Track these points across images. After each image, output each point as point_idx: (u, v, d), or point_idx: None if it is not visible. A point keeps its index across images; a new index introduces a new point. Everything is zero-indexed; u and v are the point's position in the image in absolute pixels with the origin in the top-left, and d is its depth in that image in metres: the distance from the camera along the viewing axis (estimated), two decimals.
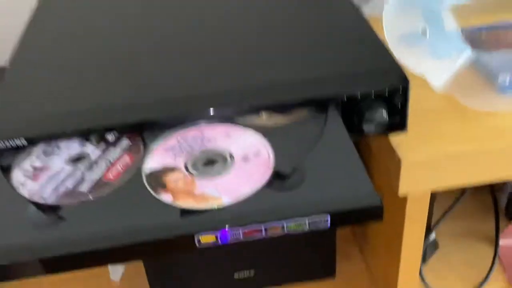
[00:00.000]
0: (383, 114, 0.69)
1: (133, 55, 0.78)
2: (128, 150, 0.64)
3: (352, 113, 0.70)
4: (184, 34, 0.83)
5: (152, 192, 0.59)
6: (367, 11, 1.02)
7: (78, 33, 0.86)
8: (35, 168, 0.62)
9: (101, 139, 0.65)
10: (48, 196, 0.59)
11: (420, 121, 0.76)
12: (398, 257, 0.88)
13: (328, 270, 1.05)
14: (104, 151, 0.64)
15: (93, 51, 0.80)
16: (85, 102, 0.68)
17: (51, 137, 0.65)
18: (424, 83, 0.80)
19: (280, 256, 1.01)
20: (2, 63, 0.85)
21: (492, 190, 1.11)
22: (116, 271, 1.08)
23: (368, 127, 0.70)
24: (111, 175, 0.61)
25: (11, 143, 0.64)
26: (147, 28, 0.85)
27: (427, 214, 0.84)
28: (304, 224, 0.56)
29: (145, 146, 0.64)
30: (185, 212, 0.57)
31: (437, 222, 1.03)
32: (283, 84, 0.70)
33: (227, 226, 0.55)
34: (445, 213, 1.03)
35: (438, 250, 1.03)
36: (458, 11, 0.91)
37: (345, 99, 0.69)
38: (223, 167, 0.61)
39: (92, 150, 0.64)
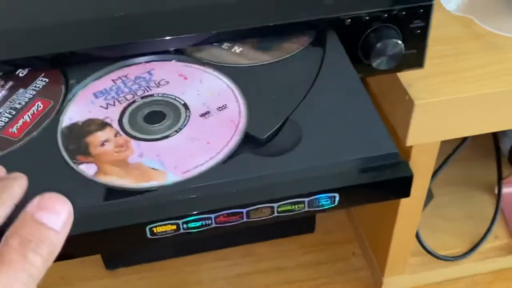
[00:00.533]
0: (399, 43, 0.50)
1: None
2: (44, 93, 0.43)
3: (357, 42, 0.50)
4: None
5: (68, 159, 0.39)
6: None
7: None
8: None
9: (9, 74, 0.44)
10: None
11: (434, 54, 0.58)
12: (394, 215, 0.72)
13: (307, 226, 0.86)
14: (10, 91, 0.43)
15: None
16: None
17: None
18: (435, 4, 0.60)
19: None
20: None
21: (495, 133, 0.93)
22: None
23: (378, 62, 0.51)
24: (14, 130, 0.40)
25: None
26: None
27: (433, 167, 0.68)
28: (302, 204, 0.38)
29: (68, 88, 0.43)
30: (113, 193, 0.37)
31: (435, 172, 0.84)
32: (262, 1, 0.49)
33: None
34: (444, 162, 0.85)
35: (433, 201, 0.88)
36: None
37: (348, 22, 0.49)
38: (172, 124, 0.41)
39: None
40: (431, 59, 0.57)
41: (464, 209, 0.88)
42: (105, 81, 0.44)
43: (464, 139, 0.86)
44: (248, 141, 0.40)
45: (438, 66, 0.58)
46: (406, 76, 0.57)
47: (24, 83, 0.44)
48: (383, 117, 0.58)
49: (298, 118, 0.42)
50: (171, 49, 0.46)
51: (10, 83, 0.44)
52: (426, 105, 0.56)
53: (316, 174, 0.38)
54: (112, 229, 0.36)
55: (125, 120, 0.41)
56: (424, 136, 0.59)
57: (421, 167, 0.65)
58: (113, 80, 0.44)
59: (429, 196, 0.86)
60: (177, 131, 0.40)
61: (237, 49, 0.47)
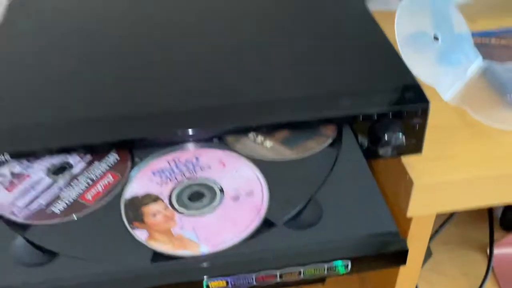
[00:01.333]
0: (401, 137, 0.57)
1: (125, 65, 0.62)
2: (114, 167, 0.51)
3: (367, 134, 0.57)
4: (183, 43, 0.66)
5: (127, 225, 0.46)
6: (373, 6, 0.86)
7: (61, 36, 0.68)
8: (13, 175, 0.50)
9: (88, 151, 0.52)
10: (18, 212, 0.47)
11: (431, 139, 0.64)
12: (396, 270, 0.75)
13: (319, 279, 0.91)
14: (88, 164, 0.51)
15: (80, 58, 0.63)
16: (68, 115, 0.54)
17: (29, 154, 0.52)
18: (433, 94, 0.66)
19: None
20: None
21: None
22: None
23: (384, 150, 0.58)
24: (89, 196, 0.48)
25: None
26: (140, 37, 0.67)
27: (430, 233, 0.72)
28: (322, 269, 0.45)
29: (133, 165, 0.51)
30: (158, 256, 0.44)
31: (434, 233, 0.89)
32: (292, 101, 0.56)
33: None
34: (442, 224, 0.89)
35: (431, 259, 0.92)
36: (464, 11, 0.77)
37: (361, 118, 0.55)
38: (208, 204, 0.48)
39: (76, 161, 0.52)
40: (429, 144, 0.61)
41: (460, 266, 0.91)
42: (161, 162, 0.52)
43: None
44: (267, 224, 0.47)
45: (435, 151, 0.63)
46: (407, 159, 0.62)
47: (99, 157, 0.52)
48: (387, 192, 0.66)
49: (320, 200, 0.49)
50: (216, 137, 0.53)
51: (88, 157, 0.52)
52: (424, 185, 0.60)
53: (334, 246, 0.45)
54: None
55: (173, 196, 0.49)
56: (422, 209, 0.63)
57: (420, 233, 0.70)
58: (168, 162, 0.51)
59: (428, 253, 0.90)
60: (211, 211, 0.48)
61: (267, 143, 0.54)
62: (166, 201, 0.48)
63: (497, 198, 0.64)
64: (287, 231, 0.46)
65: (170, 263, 0.44)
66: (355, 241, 0.45)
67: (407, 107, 0.55)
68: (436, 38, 0.70)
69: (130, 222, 0.46)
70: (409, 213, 0.63)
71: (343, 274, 0.45)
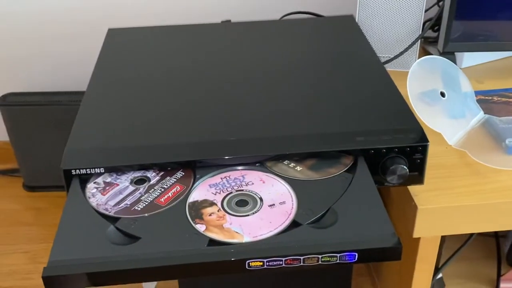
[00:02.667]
0: (405, 168, 0.70)
1: (190, 101, 0.79)
2: (181, 180, 0.66)
3: (377, 164, 0.71)
4: (242, 82, 0.84)
5: (190, 220, 0.61)
6: (391, 67, 1.06)
7: (148, 75, 0.87)
8: (106, 183, 0.66)
9: (162, 168, 0.68)
10: (110, 208, 0.62)
11: (435, 174, 0.78)
12: None
13: None
14: (162, 177, 0.67)
15: (160, 95, 0.81)
16: (148, 140, 0.71)
17: (118, 169, 0.69)
18: (440, 140, 0.81)
19: (307, 276, 1.01)
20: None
21: (497, 236, 1.09)
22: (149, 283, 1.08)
23: (391, 179, 0.71)
24: (162, 200, 0.63)
25: (89, 171, 0.68)
26: (207, 76, 0.86)
27: (436, 255, 0.85)
28: (335, 258, 0.58)
29: (195, 179, 0.66)
30: (212, 242, 0.58)
31: (445, 263, 1.01)
32: (319, 136, 0.71)
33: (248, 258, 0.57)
34: (452, 255, 1.01)
35: None
36: (472, 73, 0.93)
37: (372, 152, 0.70)
38: (251, 209, 0.63)
39: (153, 175, 0.67)
40: (433, 178, 0.76)
41: None
42: (216, 178, 0.67)
43: (469, 237, 1.02)
44: (295, 225, 0.61)
45: (437, 183, 0.77)
46: (413, 189, 0.76)
47: (170, 173, 0.68)
48: (396, 215, 0.80)
49: (337, 209, 0.63)
50: (257, 162, 0.69)
51: (162, 172, 0.67)
52: (427, 210, 0.74)
53: (345, 241, 0.59)
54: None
55: (225, 202, 0.64)
56: (427, 231, 0.76)
57: (427, 254, 0.83)
58: (221, 178, 0.67)
59: (442, 285, 1.01)
60: (253, 213, 0.62)
61: (298, 168, 0.69)
62: (219, 205, 0.63)
63: (491, 224, 0.77)
64: (310, 229, 0.60)
65: (222, 247, 0.58)
66: (362, 238, 0.59)
67: (410, 145, 0.70)
68: (442, 95, 0.84)
69: (192, 219, 0.61)
70: (415, 234, 0.76)
71: (351, 263, 0.58)
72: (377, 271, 1.10)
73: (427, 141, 0.70)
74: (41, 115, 1.45)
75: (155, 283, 1.07)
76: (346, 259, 0.58)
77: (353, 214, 0.62)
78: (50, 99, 1.46)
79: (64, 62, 1.52)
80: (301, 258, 0.57)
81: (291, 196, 0.64)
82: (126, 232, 0.60)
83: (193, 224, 0.61)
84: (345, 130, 0.71)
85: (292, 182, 0.67)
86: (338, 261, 0.58)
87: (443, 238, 0.92)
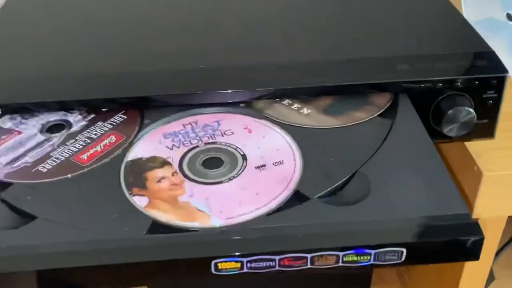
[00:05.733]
0: (471, 112, 0.44)
1: (143, 19, 0.52)
2: (120, 128, 0.41)
3: (428, 108, 0.45)
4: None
5: (125, 189, 0.35)
6: None
7: None
8: (3, 130, 0.40)
9: (92, 108, 0.42)
10: (1, 168, 0.37)
11: (506, 127, 0.51)
12: None
13: None
14: (91, 122, 0.41)
15: (93, 13, 0.54)
16: (75, 68, 0.45)
17: (21, 109, 0.42)
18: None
19: (310, 281, 0.72)
20: None
21: None
22: None
23: (449, 129, 0.45)
24: (85, 156, 0.38)
25: None
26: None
27: (497, 246, 0.59)
28: (367, 257, 0.32)
29: (142, 126, 0.40)
30: (156, 226, 0.33)
31: (498, 251, 0.75)
32: (339, 63, 0.45)
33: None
34: (507, 243, 0.75)
35: (494, 283, 0.76)
36: None
37: (421, 87, 0.43)
38: (227, 172, 0.37)
39: (77, 119, 0.41)
40: (502, 132, 0.50)
41: None
42: (176, 125, 0.41)
43: None
44: (298, 198, 0.35)
45: (507, 140, 0.51)
46: (475, 146, 0.50)
47: (104, 117, 0.41)
48: None
49: (367, 173, 0.37)
50: (243, 101, 0.43)
51: (91, 115, 0.42)
52: (495, 177, 0.48)
53: (385, 227, 0.33)
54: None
55: (185, 161, 0.38)
56: (491, 209, 0.51)
57: (485, 243, 0.57)
58: (183, 125, 0.41)
59: (491, 277, 0.76)
60: (230, 179, 0.36)
61: (305, 110, 0.43)
62: (176, 166, 0.37)
63: None
64: (323, 206, 0.34)
65: (171, 235, 0.33)
66: (413, 223, 0.33)
67: (480, 76, 0.43)
68: (509, 18, 0.58)
69: (129, 188, 0.36)
70: (476, 213, 0.50)
71: (395, 265, 0.33)
72: (408, 271, 0.84)
73: (505, 71, 0.44)
74: None
75: None
76: (386, 258, 0.33)
77: (396, 183, 0.36)
78: None
79: None
80: (308, 256, 0.32)
81: (293, 153, 0.39)
82: (15, 206, 0.35)
83: (128, 196, 0.35)
84: (380, 54, 0.45)
85: (295, 131, 0.41)
86: (372, 261, 0.33)
87: None
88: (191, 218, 0.33)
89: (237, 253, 0.31)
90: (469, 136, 0.47)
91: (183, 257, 0.31)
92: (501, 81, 0.44)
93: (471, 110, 0.44)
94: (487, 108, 0.45)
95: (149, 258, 0.32)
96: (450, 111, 0.44)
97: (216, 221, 0.33)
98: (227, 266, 0.31)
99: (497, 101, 0.45)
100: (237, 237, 0.32)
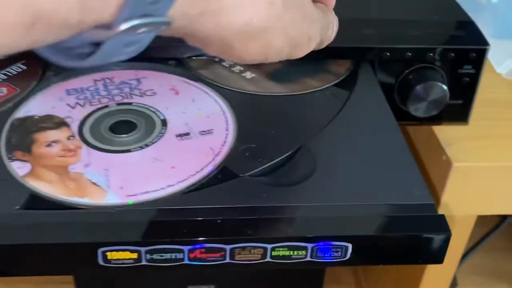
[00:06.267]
0: (443, 88, 0.38)
1: None
2: (14, 79, 0.33)
3: (394, 82, 0.38)
4: None
5: (3, 152, 0.28)
6: None
7: None
8: None
9: None
10: None
11: (479, 115, 0.45)
12: None
13: None
14: None
15: None
16: None
17: None
18: (488, 65, 0.47)
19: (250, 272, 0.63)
20: None
21: None
22: None
23: (416, 107, 0.38)
24: None
25: None
26: None
27: (463, 250, 0.53)
28: (303, 251, 0.25)
29: (42, 78, 0.33)
30: (35, 200, 0.25)
31: (463, 256, 0.69)
32: None
33: None
34: (473, 247, 0.69)
35: None
36: None
37: (387, 56, 0.37)
38: (140, 139, 0.29)
39: None
40: (476, 120, 0.44)
41: None
42: (85, 80, 0.33)
43: (498, 224, 0.71)
44: (225, 176, 0.28)
45: (482, 128, 0.45)
46: (446, 133, 0.43)
47: None
48: None
49: (314, 150, 0.30)
50: (173, 58, 0.35)
51: None
52: (465, 169, 0.42)
53: (326, 216, 0.26)
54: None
55: (87, 124, 0.30)
56: (460, 206, 0.45)
57: (451, 246, 0.51)
58: (95, 80, 0.33)
59: (453, 284, 0.71)
60: (141, 147, 0.29)
61: (249, 74, 0.35)
62: (75, 129, 0.30)
63: None
64: (254, 187, 0.27)
65: (50, 212, 0.25)
66: (361, 212, 0.26)
67: (457, 47, 0.36)
68: None
69: (9, 150, 0.28)
70: (442, 210, 0.44)
71: (338, 264, 0.26)
72: (364, 267, 0.77)
73: (486, 43, 0.37)
74: None
75: None
76: (326, 255, 0.25)
77: (348, 164, 0.29)
78: None
79: None
80: (227, 248, 0.25)
81: (227, 121, 0.31)
82: None
83: (6, 160, 0.27)
84: (343, 15, 0.38)
85: (233, 97, 0.33)
86: (308, 257, 0.25)
87: None
88: (81, 193, 0.26)
89: (132, 240, 0.24)
90: (439, 120, 0.41)
91: (62, 242, 0.24)
92: (481, 54, 0.37)
93: (444, 86, 0.37)
94: (462, 86, 0.38)
95: (19, 241, 0.24)
96: (418, 86, 0.37)
97: (113, 198, 0.26)
98: (119, 256, 0.24)
99: (475, 78, 0.38)
100: (135, 220, 0.25)
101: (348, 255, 0.25)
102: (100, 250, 0.24)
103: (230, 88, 0.34)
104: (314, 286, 0.64)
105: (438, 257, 0.26)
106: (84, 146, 0.28)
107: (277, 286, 0.63)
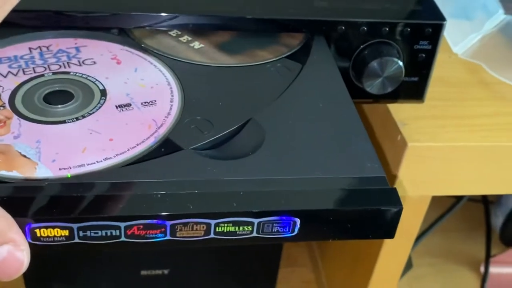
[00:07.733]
0: (399, 64, 0.36)
1: None
2: None
3: (349, 57, 0.36)
4: None
5: None
6: None
7: None
8: None
9: None
10: None
11: (435, 94, 0.45)
12: (369, 274, 0.55)
13: (268, 280, 0.66)
14: None
15: None
16: None
17: None
18: (445, 45, 0.50)
19: (204, 256, 0.61)
20: None
21: (487, 207, 0.77)
22: None
23: (370, 83, 0.37)
24: None
25: None
26: None
27: (417, 230, 0.52)
28: (249, 226, 0.24)
29: None
30: None
31: (418, 237, 0.68)
32: None
33: None
34: (429, 227, 0.69)
35: (411, 271, 0.71)
36: None
37: (341, 30, 0.35)
38: (76, 110, 0.27)
39: None
40: (431, 100, 0.43)
41: (444, 284, 0.72)
42: (20, 48, 0.30)
43: (453, 206, 0.71)
44: (167, 149, 0.26)
45: (438, 108, 0.44)
46: (401, 113, 0.43)
47: None
48: None
49: (262, 122, 0.28)
50: (116, 27, 0.33)
51: None
52: (421, 149, 0.41)
53: (273, 189, 0.24)
54: None
55: (20, 93, 0.28)
56: (415, 186, 0.44)
57: (406, 225, 0.50)
58: (30, 48, 0.31)
59: (408, 264, 0.70)
60: (77, 118, 0.27)
61: (196, 44, 0.33)
62: (5, 98, 0.27)
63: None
64: (198, 160, 0.25)
65: None
66: (310, 185, 0.25)
67: (413, 21, 0.35)
68: None
69: None
70: (397, 189, 0.42)
71: (286, 240, 0.24)
72: (320, 248, 0.76)
73: (443, 18, 0.36)
74: None
75: None
76: (274, 230, 0.24)
77: (297, 136, 0.28)
78: None
79: None
80: (168, 224, 0.23)
81: (172, 92, 0.29)
82: None
83: None
84: None
85: (179, 67, 0.31)
86: (255, 233, 0.24)
87: None
88: (9, 166, 0.24)
89: (63, 217, 0.22)
90: (394, 97, 0.40)
91: None
92: (437, 30, 0.36)
93: (399, 62, 0.36)
94: (418, 63, 0.37)
95: None
96: (373, 62, 0.35)
97: (44, 172, 0.24)
98: (49, 233, 0.22)
99: (431, 55, 0.37)
100: (67, 195, 0.23)
101: (296, 231, 0.24)
102: (27, 227, 0.22)
103: (176, 59, 0.32)
104: (269, 270, 0.63)
105: (389, 232, 0.25)
106: (15, 117, 0.26)
107: (231, 270, 0.62)
